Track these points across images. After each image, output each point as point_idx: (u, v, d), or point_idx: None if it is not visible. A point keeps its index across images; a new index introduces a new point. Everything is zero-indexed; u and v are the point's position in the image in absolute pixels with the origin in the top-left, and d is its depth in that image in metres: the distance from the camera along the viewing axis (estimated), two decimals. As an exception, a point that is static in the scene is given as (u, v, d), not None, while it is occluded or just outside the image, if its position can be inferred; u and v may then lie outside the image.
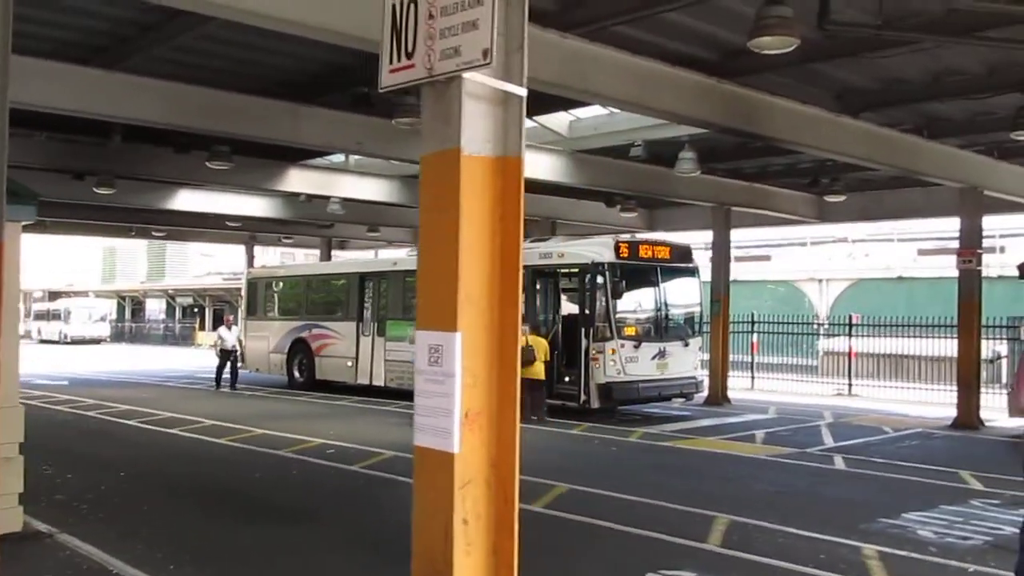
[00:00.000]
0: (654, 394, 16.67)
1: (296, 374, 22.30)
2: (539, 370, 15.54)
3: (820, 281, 34.36)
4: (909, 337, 22.53)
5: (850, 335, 23.70)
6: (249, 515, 8.70)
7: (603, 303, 16.08)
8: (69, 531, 7.42)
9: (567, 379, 16.50)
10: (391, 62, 3.22)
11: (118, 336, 59.46)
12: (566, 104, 13.89)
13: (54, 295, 64.42)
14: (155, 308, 62.82)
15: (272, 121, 12.76)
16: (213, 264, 65.02)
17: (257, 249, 38.07)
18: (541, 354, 15.51)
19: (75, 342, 53.65)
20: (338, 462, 11.37)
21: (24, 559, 6.63)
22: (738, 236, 36.16)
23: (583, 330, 16.19)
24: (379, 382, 20.03)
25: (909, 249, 34.55)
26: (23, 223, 7.42)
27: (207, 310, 54.45)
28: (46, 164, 15.87)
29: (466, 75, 2.74)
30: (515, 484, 2.62)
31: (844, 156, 14.16)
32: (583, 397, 15.99)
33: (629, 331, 16.26)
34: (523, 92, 2.89)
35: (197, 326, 54.57)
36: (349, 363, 20.86)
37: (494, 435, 2.63)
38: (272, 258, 50.99)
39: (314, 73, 12.25)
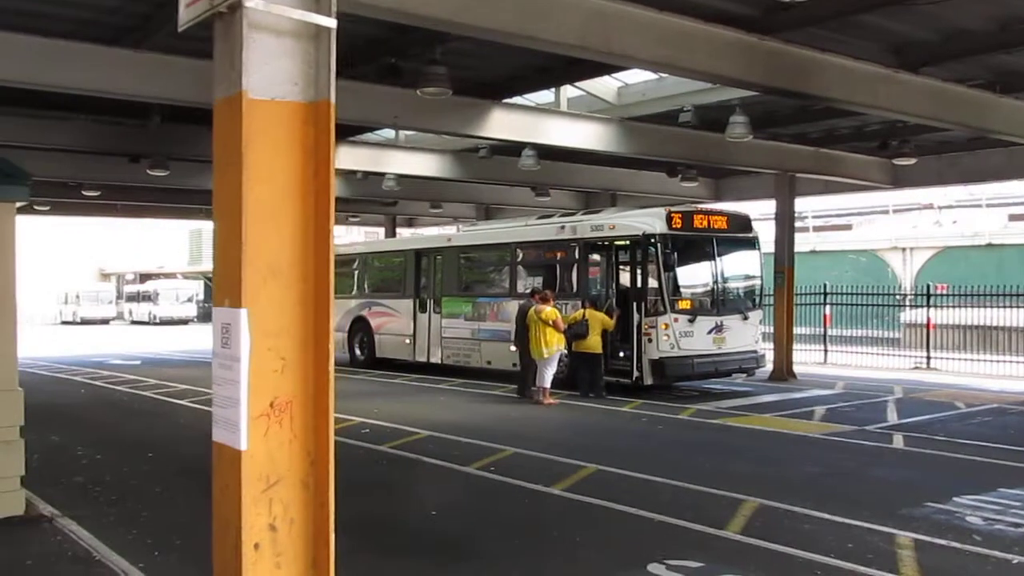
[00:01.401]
0: (710, 370, 16.05)
1: (357, 352, 22.30)
2: (594, 343, 15.13)
3: (904, 250, 32.92)
4: (997, 307, 21.33)
5: (928, 305, 22.51)
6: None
7: (655, 276, 15.51)
8: (72, 514, 7.34)
9: (620, 355, 16.00)
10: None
11: (205, 316, 60.91)
12: (607, 69, 13.31)
13: (144, 277, 66.30)
14: (193, 287, 63.99)
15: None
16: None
17: (336, 229, 38.44)
18: (598, 327, 15.06)
19: (163, 322, 55.25)
20: (369, 442, 11.17)
21: (13, 543, 6.56)
22: (816, 204, 35.07)
23: (635, 304, 15.67)
24: (436, 359, 19.87)
25: (1000, 215, 32.79)
26: (16, 203, 7.28)
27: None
28: (91, 147, 15.98)
29: (250, 3, 2.33)
30: (331, 484, 2.23)
31: (906, 115, 13.27)
32: (636, 373, 15.48)
33: (683, 304, 15.64)
34: (332, 24, 2.46)
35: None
36: (407, 340, 20.74)
37: (309, 427, 2.25)
38: (356, 236, 51.36)
39: (345, 47, 11.95)
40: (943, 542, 6.81)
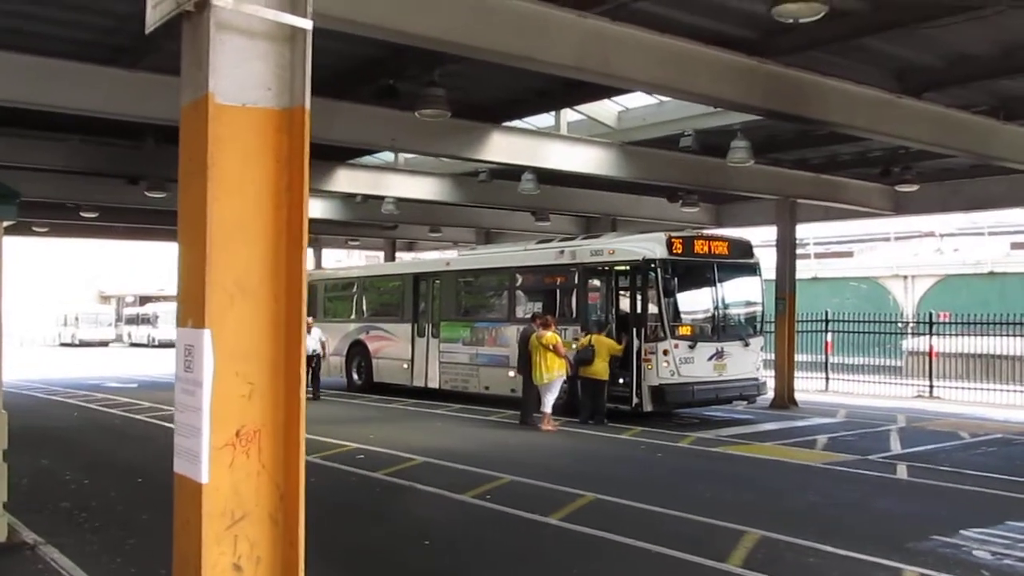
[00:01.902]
0: (711, 396, 15.85)
1: (355, 376, 22.10)
2: (600, 369, 14.97)
3: (905, 277, 32.75)
4: (1000, 335, 21.13)
5: (931, 333, 22.32)
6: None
7: (655, 301, 15.36)
8: (55, 541, 7.14)
9: (620, 381, 15.78)
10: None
11: (204, 339, 60.52)
12: (607, 92, 13.23)
13: (144, 299, 66.14)
14: None
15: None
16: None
17: (336, 252, 38.28)
18: (605, 353, 14.91)
19: (162, 345, 54.92)
20: (363, 468, 10.96)
21: (-9, 572, 6.37)
22: (818, 231, 34.93)
23: (635, 330, 15.49)
24: (434, 384, 19.67)
25: (1002, 243, 32.64)
26: (4, 223, 7.14)
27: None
28: (85, 168, 15.86)
29: (219, 2, 2.18)
30: (301, 519, 2.06)
31: (908, 141, 13.18)
32: (635, 400, 15.28)
33: (683, 331, 15.45)
34: (308, 25, 2.31)
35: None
36: (405, 365, 20.55)
37: (279, 458, 2.08)
38: (357, 260, 51.25)
39: (342, 68, 11.87)
40: (950, 577, 6.61)
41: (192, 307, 2.03)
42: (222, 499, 2.01)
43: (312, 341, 19.59)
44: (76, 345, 55.79)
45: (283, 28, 2.30)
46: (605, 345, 14.99)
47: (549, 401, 14.84)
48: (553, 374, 14.69)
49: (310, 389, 19.47)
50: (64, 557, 6.72)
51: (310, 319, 20.69)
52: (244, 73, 2.18)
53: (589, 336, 15.23)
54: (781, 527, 7.93)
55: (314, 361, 19.70)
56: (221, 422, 1.99)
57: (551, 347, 14.62)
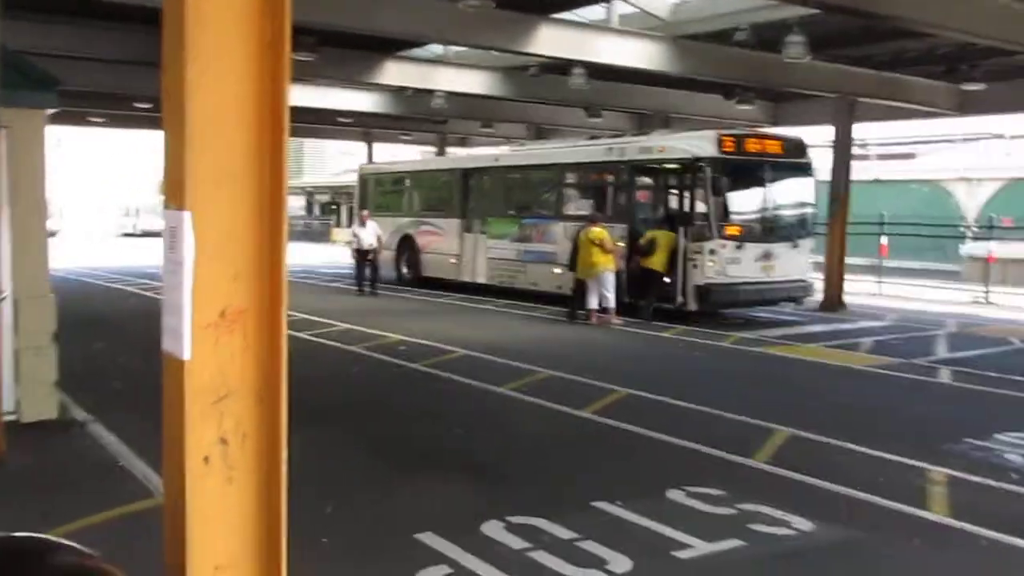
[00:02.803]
0: (757, 297, 15.76)
1: (403, 270, 22.32)
2: (657, 261, 15.07)
3: (969, 181, 31.73)
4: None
5: (990, 238, 21.76)
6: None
7: (704, 200, 15.18)
8: (103, 419, 7.46)
9: (665, 279, 15.75)
10: None
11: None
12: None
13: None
14: (295, 205, 64.52)
15: (348, 7, 12.27)
16: (352, 162, 66.07)
17: (391, 148, 38.18)
18: (665, 245, 15.02)
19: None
20: (404, 359, 11.18)
21: (43, 446, 6.70)
22: (879, 132, 33.86)
23: (682, 229, 15.36)
24: (482, 280, 19.81)
25: (1075, 145, 31.39)
26: (46, 111, 7.25)
27: (343, 207, 55.56)
28: (140, 57, 15.81)
29: None
30: (283, 397, 2.13)
31: (977, 36, 12.67)
32: (680, 299, 15.26)
33: (731, 230, 15.24)
34: None
35: (334, 223, 55.86)
36: (453, 260, 20.69)
37: (264, 339, 2.14)
38: (412, 155, 51.19)
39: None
40: (977, 479, 6.60)
41: (175, 190, 2.06)
42: (207, 376, 2.08)
43: (369, 235, 19.59)
44: (138, 235, 57.05)
45: None
46: (667, 239, 15.07)
47: (594, 297, 14.94)
48: (599, 268, 14.77)
49: (368, 283, 19.65)
50: (109, 434, 7.03)
51: (365, 212, 20.83)
52: (225, -48, 2.15)
53: (653, 232, 15.35)
54: (812, 426, 7.96)
55: (371, 254, 19.64)
56: (205, 301, 2.04)
57: (598, 242, 14.68)
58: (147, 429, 7.23)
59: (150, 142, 57.05)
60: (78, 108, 23.35)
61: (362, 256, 19.61)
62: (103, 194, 67.49)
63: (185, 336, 2.02)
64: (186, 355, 2.04)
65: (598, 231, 14.84)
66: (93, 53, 16.16)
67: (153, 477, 5.94)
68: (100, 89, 19.57)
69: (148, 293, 19.08)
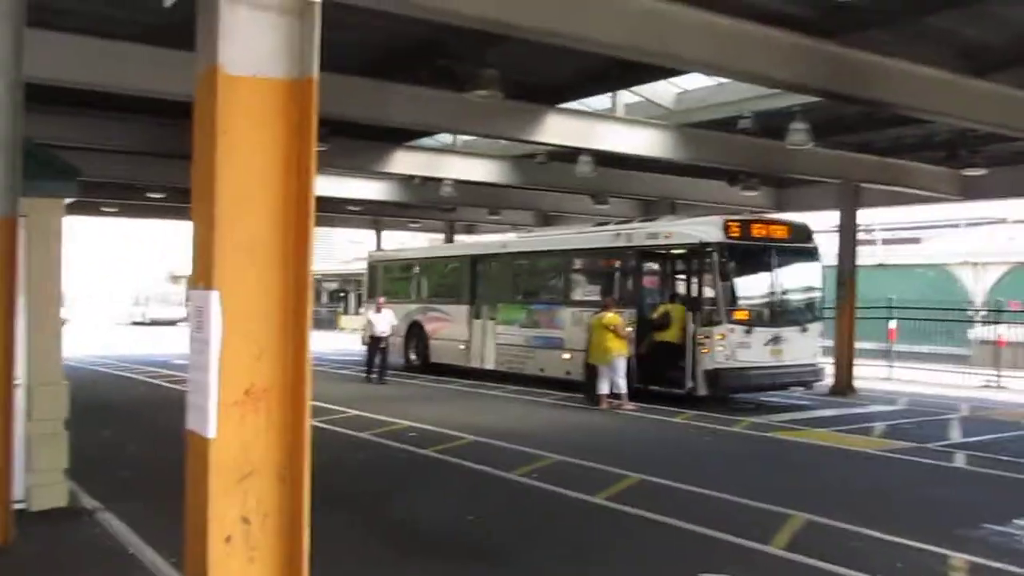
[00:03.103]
0: (767, 382, 15.69)
1: (412, 356, 22.33)
2: (672, 334, 15.33)
3: (975, 265, 31.84)
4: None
5: (998, 322, 21.73)
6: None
7: (712, 285, 15.27)
8: (113, 507, 7.39)
9: (675, 364, 15.73)
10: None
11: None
12: (663, 73, 13.12)
13: (212, 280, 67.38)
14: None
15: (360, 99, 12.55)
16: (361, 250, 66.60)
17: (399, 235, 38.65)
18: (679, 319, 15.32)
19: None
20: (413, 445, 11.12)
21: (52, 535, 6.64)
22: (884, 217, 34.14)
23: (691, 313, 15.41)
24: (490, 365, 19.80)
25: (1078, 230, 31.57)
26: (65, 200, 7.38)
27: (351, 295, 55.83)
28: (151, 148, 16.18)
29: None
30: (306, 477, 2.14)
31: (975, 123, 12.85)
32: (689, 384, 15.20)
33: (740, 315, 15.27)
34: None
35: (341, 310, 56.06)
36: (462, 346, 20.71)
37: (287, 418, 2.16)
38: (421, 242, 51.65)
39: (399, 48, 11.97)
40: (999, 565, 6.48)
41: (202, 270, 2.11)
42: (232, 454, 2.10)
43: (384, 324, 19.49)
44: (147, 324, 57.26)
45: (294, 1, 2.37)
46: (679, 311, 15.36)
47: (605, 382, 14.95)
48: (613, 354, 14.82)
49: (377, 370, 19.47)
50: (119, 521, 6.97)
51: (381, 299, 20.78)
52: (254, 44, 2.25)
53: (664, 306, 15.70)
54: (828, 511, 7.85)
55: (383, 342, 19.44)
56: (232, 380, 2.07)
57: (612, 327, 14.78)
58: (156, 517, 7.23)
59: (160, 231, 57.96)
60: (93, 199, 23.76)
61: (375, 343, 19.50)
62: (113, 282, 67.97)
63: (211, 414, 2.05)
64: (211, 433, 2.06)
65: (612, 316, 15.00)
66: (108, 144, 16.50)
67: (162, 565, 5.88)
68: (115, 179, 19.91)
69: (157, 381, 19.08)
